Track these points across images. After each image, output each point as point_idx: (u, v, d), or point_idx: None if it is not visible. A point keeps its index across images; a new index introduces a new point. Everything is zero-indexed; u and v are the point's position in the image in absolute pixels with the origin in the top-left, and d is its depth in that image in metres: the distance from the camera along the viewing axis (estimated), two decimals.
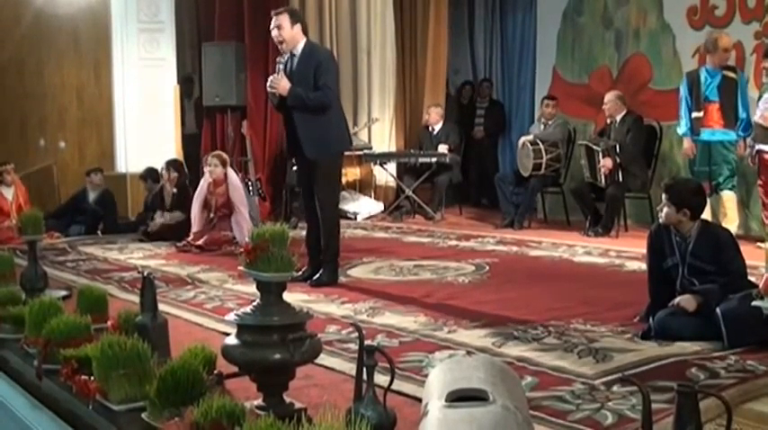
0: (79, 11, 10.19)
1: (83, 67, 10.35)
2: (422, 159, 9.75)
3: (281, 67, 5.72)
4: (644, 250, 4.54)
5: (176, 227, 8.19)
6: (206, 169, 7.94)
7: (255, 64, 10.22)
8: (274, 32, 5.74)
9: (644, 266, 4.72)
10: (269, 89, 5.71)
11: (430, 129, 10.11)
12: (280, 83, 5.63)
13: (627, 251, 6.83)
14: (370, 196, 10.40)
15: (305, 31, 5.83)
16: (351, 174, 10.39)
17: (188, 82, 11.10)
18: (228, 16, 10.59)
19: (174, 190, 8.52)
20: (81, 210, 9.07)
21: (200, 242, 7.58)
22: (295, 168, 8.34)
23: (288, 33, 5.70)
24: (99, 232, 8.91)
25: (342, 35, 10.58)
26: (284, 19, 5.72)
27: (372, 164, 10.28)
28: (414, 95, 11.19)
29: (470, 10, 12.04)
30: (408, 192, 9.80)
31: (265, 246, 2.86)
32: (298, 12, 6.25)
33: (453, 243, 7.78)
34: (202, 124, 10.81)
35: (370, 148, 10.31)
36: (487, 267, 6.33)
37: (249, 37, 10.43)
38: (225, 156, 8.01)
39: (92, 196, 9.15)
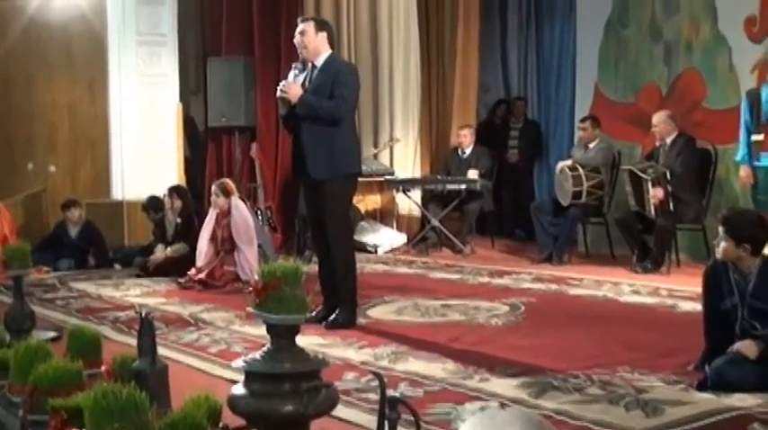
0: (72, 21, 10.26)
1: (76, 82, 10.42)
2: (449, 186, 9.75)
3: (297, 72, 5.79)
4: (699, 289, 4.50)
5: (179, 261, 8.21)
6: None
7: (266, 80, 10.28)
8: (297, 38, 5.82)
9: (699, 307, 4.68)
10: (279, 94, 5.76)
11: (459, 152, 10.12)
12: (291, 87, 5.69)
13: (679, 290, 6.78)
14: (392, 227, 10.40)
15: (331, 43, 5.91)
16: (370, 202, 10.41)
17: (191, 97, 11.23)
18: (236, 28, 10.72)
19: (178, 219, 8.54)
20: (64, 244, 9.12)
21: (202, 276, 7.59)
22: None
23: (311, 41, 5.78)
24: (91, 263, 8.96)
25: (361, 49, 10.67)
26: (309, 26, 5.81)
27: (394, 191, 10.28)
28: (441, 115, 11.24)
29: (503, 22, 12.08)
30: (434, 222, 9.78)
31: (276, 284, 2.84)
32: (326, 21, 6.27)
33: (485, 280, 7.75)
34: (207, 147, 10.91)
35: (392, 173, 10.32)
36: (523, 308, 6.29)
37: (259, 50, 10.55)
38: (230, 184, 7.98)
39: (73, 231, 9.18)
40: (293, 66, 5.91)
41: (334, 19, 10.25)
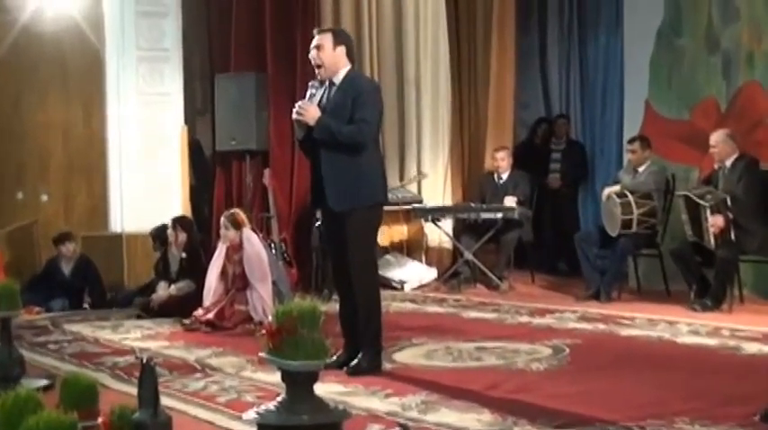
0: (66, 35, 10.32)
1: (70, 102, 10.49)
2: (484, 214, 9.73)
3: (314, 91, 5.82)
4: (766, 329, 4.47)
5: (184, 300, 8.25)
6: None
7: (280, 99, 10.31)
8: (312, 53, 5.83)
9: (766, 349, 4.63)
10: (295, 116, 5.76)
11: (494, 177, 10.11)
12: (308, 109, 5.70)
13: (743, 329, 6.70)
14: (421, 260, 10.39)
15: (351, 58, 5.90)
16: (396, 233, 10.40)
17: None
18: (247, 42, 10.77)
19: (183, 254, 8.58)
20: (57, 283, 9.16)
21: (210, 316, 7.61)
22: (319, 224, 8.42)
23: (328, 56, 5.78)
24: (86, 306, 9.01)
25: (385, 63, 10.73)
26: (326, 39, 5.81)
27: (423, 220, 10.26)
28: (474, 136, 11.23)
29: (542, 31, 12.10)
30: (468, 255, 9.75)
31: (293, 327, 2.84)
32: (345, 33, 6.26)
33: (524, 319, 7.73)
34: (215, 173, 10.96)
35: (420, 201, 10.32)
36: (567, 350, 6.26)
37: (272, 66, 10.59)
38: (240, 215, 7.99)
39: (66, 268, 9.22)
40: (310, 84, 5.93)
41: (354, 29, 10.32)
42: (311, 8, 10.54)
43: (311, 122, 5.67)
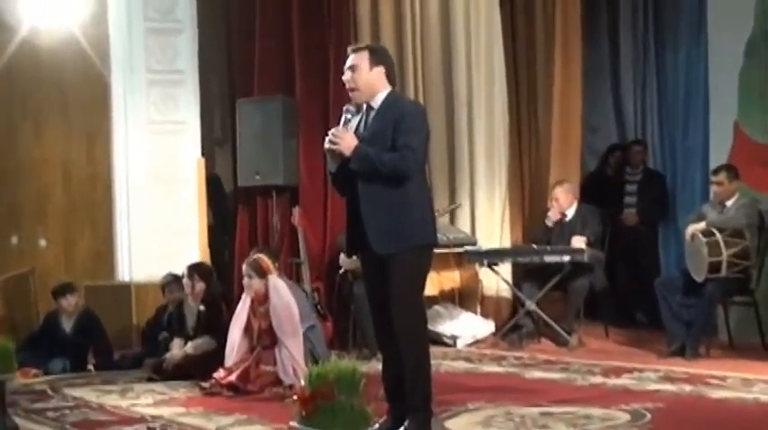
0: (66, 56, 10.55)
1: (71, 133, 10.67)
2: (548, 258, 9.69)
3: (350, 117, 5.79)
4: None
5: (202, 359, 8.27)
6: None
7: (310, 127, 10.45)
8: (346, 75, 5.80)
9: None
10: (327, 145, 5.71)
11: (560, 213, 10.09)
12: (343, 136, 5.67)
13: None
14: (476, 312, 10.36)
15: (390, 79, 5.87)
16: (447, 280, 10.37)
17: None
18: (272, 61, 10.90)
19: (201, 307, 8.62)
20: (57, 341, 9.21)
21: (232, 378, 7.62)
22: (343, 271, 8.41)
23: (364, 78, 5.75)
24: (90, 368, 9.06)
25: (431, 82, 10.79)
26: (362, 58, 5.78)
27: (478, 265, 10.24)
28: (535, 165, 11.24)
29: (613, 45, 12.09)
30: (531, 305, 9.71)
31: (329, 391, 2.85)
32: (384, 51, 6.19)
33: (598, 380, 7.68)
34: (236, 213, 11.01)
35: (474, 243, 10.29)
36: (649, 416, 6.19)
37: (301, 89, 10.72)
38: (265, 261, 7.99)
39: (67, 324, 9.29)
40: (345, 109, 5.87)
41: (395, 45, 10.47)
42: (345, 22, 10.68)
43: (347, 152, 5.62)
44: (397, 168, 5.59)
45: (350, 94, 5.84)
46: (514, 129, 11.12)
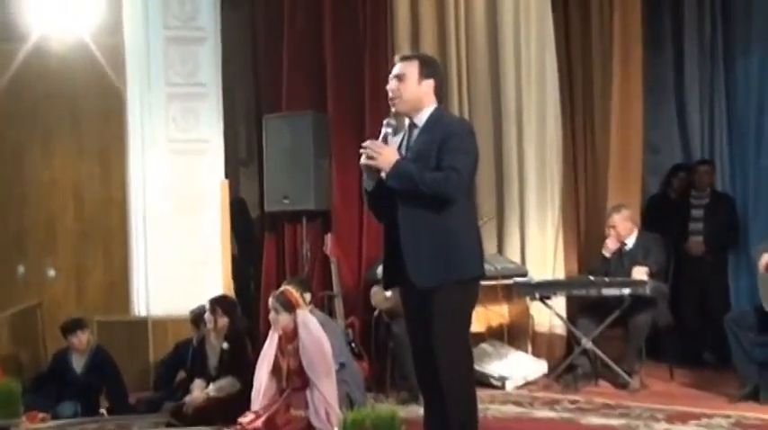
0: (78, 68, 10.62)
1: (83, 153, 10.74)
2: (607, 291, 9.59)
3: (390, 131, 5.81)
4: None
5: (226, 403, 8.29)
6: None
7: (344, 146, 10.48)
8: (391, 84, 5.85)
9: None
10: (364, 160, 5.74)
11: (618, 242, 10.06)
12: (382, 150, 5.68)
13: None
14: (526, 351, 10.33)
15: (438, 95, 5.94)
16: (494, 315, 10.33)
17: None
18: (303, 73, 10.97)
19: (224, 344, 8.63)
20: (67, 382, 9.23)
21: (259, 423, 7.61)
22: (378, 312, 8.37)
23: (411, 90, 5.82)
24: (103, 412, 9.09)
25: (476, 96, 10.77)
26: (411, 67, 5.85)
27: (528, 298, 10.17)
28: (591, 188, 11.23)
29: (677, 55, 12.01)
30: (587, 343, 9.66)
31: None
32: (437, 64, 6.24)
33: (662, 427, 7.64)
34: (263, 240, 11.03)
35: (524, 274, 10.23)
36: None
37: (334, 104, 10.78)
38: (293, 295, 7.91)
39: (78, 364, 9.32)
40: (385, 122, 5.89)
41: (438, 55, 10.37)
42: (382, 30, 10.74)
43: (386, 168, 5.64)
44: (439, 189, 5.60)
45: (390, 102, 5.89)
46: (568, 148, 11.08)
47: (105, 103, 10.56)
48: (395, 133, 5.86)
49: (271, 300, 7.95)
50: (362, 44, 10.72)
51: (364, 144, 5.77)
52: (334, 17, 10.83)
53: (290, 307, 7.80)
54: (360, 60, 10.71)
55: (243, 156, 11.67)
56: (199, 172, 10.52)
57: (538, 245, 10.65)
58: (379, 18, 10.73)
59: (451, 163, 5.62)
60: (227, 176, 10.64)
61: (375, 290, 9.54)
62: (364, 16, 10.77)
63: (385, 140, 5.80)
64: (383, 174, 5.72)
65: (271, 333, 7.97)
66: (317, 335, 7.80)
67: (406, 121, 5.90)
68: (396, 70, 5.86)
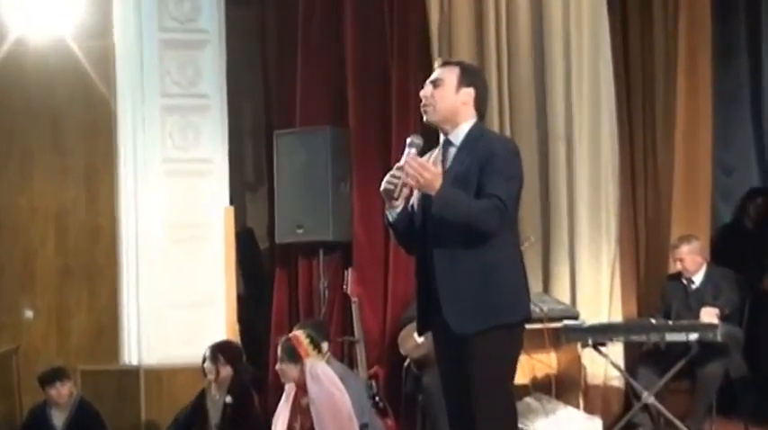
0: (61, 77, 10.58)
1: (67, 174, 10.70)
2: (671, 336, 9.50)
3: (414, 151, 5.62)
4: None
5: None
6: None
7: (368, 165, 10.57)
8: (426, 90, 5.79)
9: None
10: (389, 182, 5.63)
11: (683, 279, 10.01)
12: (422, 170, 5.48)
13: None
14: (578, 406, 10.20)
15: (480, 108, 5.85)
16: (541, 364, 10.24)
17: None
18: (319, 83, 11.00)
19: (227, 398, 8.60)
20: None
21: None
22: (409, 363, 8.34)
23: (447, 99, 5.74)
24: None
25: (520, 111, 10.72)
26: (451, 74, 5.78)
27: (580, 345, 10.04)
28: (652, 217, 11.15)
29: (753, 65, 12.06)
30: (648, 397, 9.59)
31: None
32: (479, 73, 6.27)
33: None
34: (273, 276, 11.04)
35: (575, 316, 10.14)
36: None
37: (356, 118, 10.83)
38: (300, 340, 7.62)
39: (58, 419, 9.25)
40: (408, 141, 5.69)
41: (475, 59, 10.33)
42: (412, 35, 10.74)
43: (429, 190, 5.49)
44: (488, 220, 5.51)
45: (423, 110, 5.81)
46: (626, 170, 10.97)
47: (92, 117, 10.53)
48: (419, 154, 5.71)
49: (279, 348, 7.86)
50: (388, 52, 10.76)
51: (400, 163, 5.59)
52: (355, 17, 10.86)
53: (295, 356, 7.49)
54: (385, 68, 10.76)
55: (250, 179, 11.66)
56: (200, 197, 10.47)
57: (590, 282, 10.55)
58: (408, 20, 10.74)
59: (495, 190, 5.52)
60: (231, 202, 10.57)
61: (403, 334, 9.52)
62: (391, 18, 10.80)
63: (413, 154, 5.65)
64: (414, 201, 5.75)
65: (287, 387, 7.78)
66: (328, 389, 7.50)
67: (441, 138, 5.83)
68: (435, 74, 5.82)
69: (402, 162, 5.58)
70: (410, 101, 9.95)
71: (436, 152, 5.84)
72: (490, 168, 5.58)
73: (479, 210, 5.49)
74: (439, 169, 5.57)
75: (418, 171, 5.46)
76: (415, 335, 8.45)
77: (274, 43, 11.44)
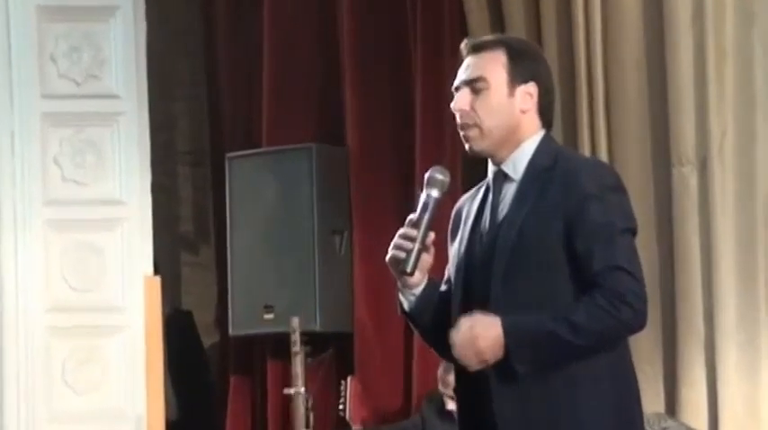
0: None
1: None
2: None
3: (436, 195, 5.05)
4: None
5: None
6: None
7: (377, 201, 10.67)
8: (459, 101, 5.11)
9: None
10: (398, 248, 4.98)
11: None
12: (474, 325, 4.85)
13: None
14: None
15: (546, 113, 5.19)
16: None
17: None
18: (300, 80, 11.30)
19: None
20: None
21: None
22: None
23: (500, 110, 5.06)
24: None
25: (623, 120, 10.32)
26: (494, 63, 5.12)
27: None
28: None
29: None
30: None
31: None
32: (537, 51, 5.65)
33: None
34: (228, 387, 11.11)
35: None
36: None
37: (357, 133, 10.97)
38: None
39: None
40: (426, 178, 5.11)
41: (560, 59, 10.24)
42: (438, 14, 10.65)
43: (491, 358, 4.87)
44: (607, 330, 4.94)
45: (462, 134, 5.15)
46: None
47: None
48: (443, 195, 5.12)
49: None
50: (410, 37, 10.54)
51: (413, 216, 5.01)
52: None
53: None
54: (404, 64, 10.64)
55: (187, 231, 11.34)
56: (106, 260, 10.15)
57: (741, 395, 10.13)
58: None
59: (610, 259, 4.90)
60: (157, 270, 10.20)
61: None
62: None
63: (425, 210, 5.06)
64: (450, 270, 5.18)
65: None
66: None
67: (489, 169, 5.14)
68: (465, 73, 5.13)
69: (416, 215, 5.04)
70: (441, 111, 9.71)
71: (479, 196, 5.21)
72: (586, 219, 4.94)
73: (591, 325, 4.91)
74: (492, 320, 4.91)
75: (465, 345, 4.92)
76: None
77: (224, 17, 11.25)
